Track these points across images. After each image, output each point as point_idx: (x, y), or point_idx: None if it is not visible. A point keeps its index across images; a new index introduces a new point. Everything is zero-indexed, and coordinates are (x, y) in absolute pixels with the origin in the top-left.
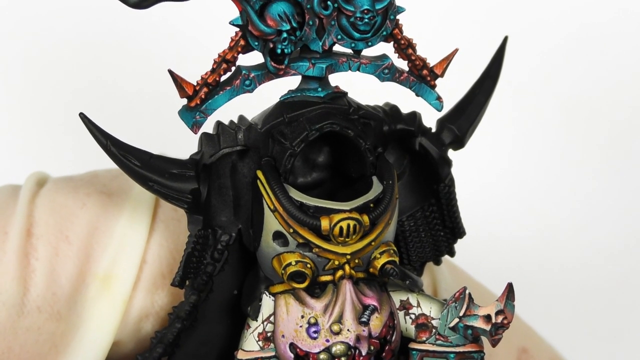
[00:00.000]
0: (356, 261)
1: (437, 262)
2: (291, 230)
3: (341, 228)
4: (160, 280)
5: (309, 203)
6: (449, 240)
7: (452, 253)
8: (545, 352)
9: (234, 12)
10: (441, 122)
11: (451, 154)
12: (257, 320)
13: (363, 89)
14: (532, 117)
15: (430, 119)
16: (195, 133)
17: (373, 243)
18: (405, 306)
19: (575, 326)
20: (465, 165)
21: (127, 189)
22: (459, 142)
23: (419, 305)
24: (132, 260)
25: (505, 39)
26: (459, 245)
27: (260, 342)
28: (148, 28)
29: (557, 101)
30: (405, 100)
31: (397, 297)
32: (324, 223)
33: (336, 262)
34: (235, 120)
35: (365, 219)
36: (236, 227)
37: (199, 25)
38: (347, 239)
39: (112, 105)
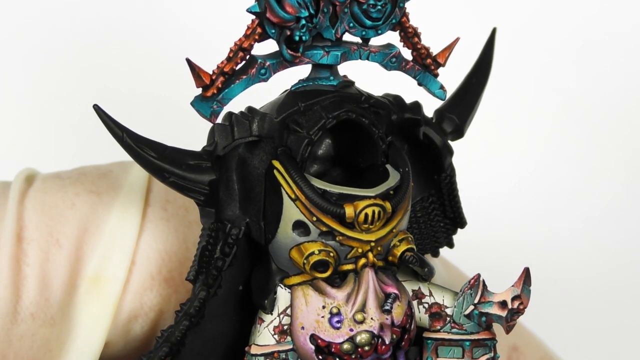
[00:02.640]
0: (379, 249)
1: (435, 253)
2: (314, 219)
3: (366, 215)
4: (149, 282)
5: (332, 190)
6: (448, 231)
7: (451, 244)
8: (536, 350)
9: (243, 2)
10: (440, 112)
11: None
12: (272, 314)
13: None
14: (543, 122)
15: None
16: (213, 122)
17: (394, 230)
18: (418, 295)
19: (574, 329)
20: (471, 173)
21: (116, 187)
22: (459, 131)
23: (431, 294)
24: (122, 261)
25: (494, 31)
26: (460, 248)
27: (276, 336)
28: (155, 22)
29: (567, 105)
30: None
31: (409, 287)
32: (349, 210)
33: (359, 250)
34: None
35: (388, 205)
36: (244, 221)
37: (206, 20)
38: (371, 226)
39: (110, 103)
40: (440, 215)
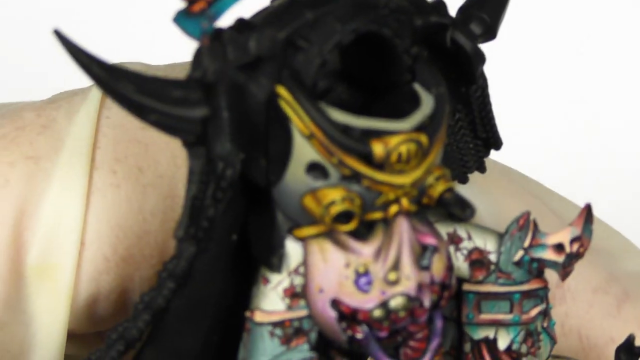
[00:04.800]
0: (413, 192)
1: (464, 180)
2: (335, 160)
3: (400, 154)
4: (104, 264)
5: (355, 124)
6: (479, 153)
7: (482, 168)
8: None
9: None
10: (466, 11)
11: None
12: (280, 273)
13: None
14: None
15: None
16: (205, 44)
17: (431, 168)
18: (454, 240)
19: None
20: None
21: (57, 147)
22: (491, 33)
23: (470, 237)
24: (69, 245)
25: None
26: None
27: (286, 300)
28: None
29: None
30: None
31: (442, 230)
32: (378, 148)
33: (390, 195)
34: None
35: (424, 139)
36: (238, 158)
37: None
38: (405, 166)
39: None
40: (470, 135)
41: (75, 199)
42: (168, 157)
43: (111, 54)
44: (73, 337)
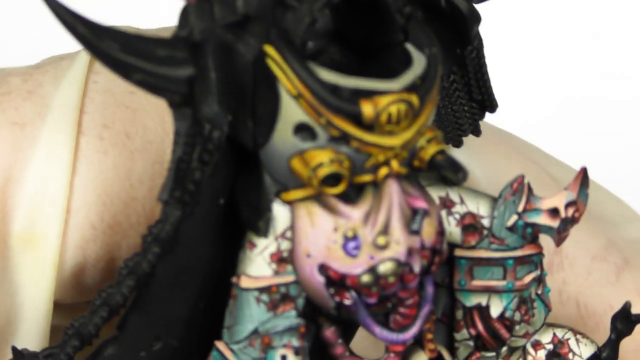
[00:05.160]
0: (403, 154)
1: (459, 143)
2: (323, 121)
3: (390, 115)
4: (91, 232)
5: (345, 84)
6: (474, 116)
7: (477, 132)
8: None
9: None
10: None
11: None
12: (267, 237)
13: None
14: None
15: None
16: (192, 2)
17: (422, 129)
18: (446, 204)
19: None
20: None
21: (43, 113)
22: None
23: (462, 202)
24: (55, 212)
25: None
26: None
27: (273, 265)
28: None
29: None
30: None
31: (435, 194)
32: (367, 109)
33: (380, 157)
34: None
35: (415, 99)
36: (226, 120)
37: None
38: (395, 127)
39: None
40: (465, 98)
41: (61, 165)
42: (157, 123)
43: (100, 18)
44: (60, 307)
